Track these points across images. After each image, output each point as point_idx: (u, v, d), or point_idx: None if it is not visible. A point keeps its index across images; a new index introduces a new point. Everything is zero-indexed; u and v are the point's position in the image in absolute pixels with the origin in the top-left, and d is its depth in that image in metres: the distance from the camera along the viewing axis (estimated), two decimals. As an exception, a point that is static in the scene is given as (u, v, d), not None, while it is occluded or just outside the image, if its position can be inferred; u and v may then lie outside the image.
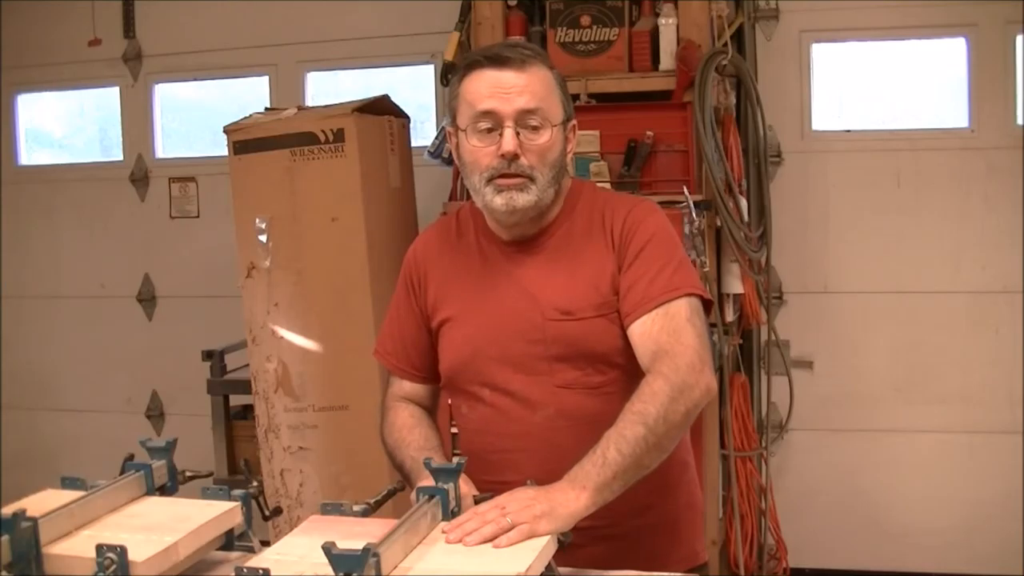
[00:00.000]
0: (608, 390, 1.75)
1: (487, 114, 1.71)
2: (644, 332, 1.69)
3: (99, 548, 1.34)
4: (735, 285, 3.52)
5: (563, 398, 1.74)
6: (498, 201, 1.72)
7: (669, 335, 1.66)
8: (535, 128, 1.72)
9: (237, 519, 1.58)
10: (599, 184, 3.38)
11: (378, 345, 1.97)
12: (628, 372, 1.74)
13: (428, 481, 1.58)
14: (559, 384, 1.75)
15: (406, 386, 1.93)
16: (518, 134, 1.70)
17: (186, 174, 4.57)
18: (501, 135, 1.70)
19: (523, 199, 1.72)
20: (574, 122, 1.83)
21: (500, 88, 1.70)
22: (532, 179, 1.72)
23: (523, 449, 1.75)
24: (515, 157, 1.70)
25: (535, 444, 1.74)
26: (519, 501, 1.47)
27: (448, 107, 1.82)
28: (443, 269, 1.87)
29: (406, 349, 1.91)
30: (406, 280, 1.91)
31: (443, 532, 1.46)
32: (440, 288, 1.86)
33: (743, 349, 3.75)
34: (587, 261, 1.78)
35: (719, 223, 3.38)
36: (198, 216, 4.56)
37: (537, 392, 1.75)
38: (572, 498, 1.49)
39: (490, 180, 1.72)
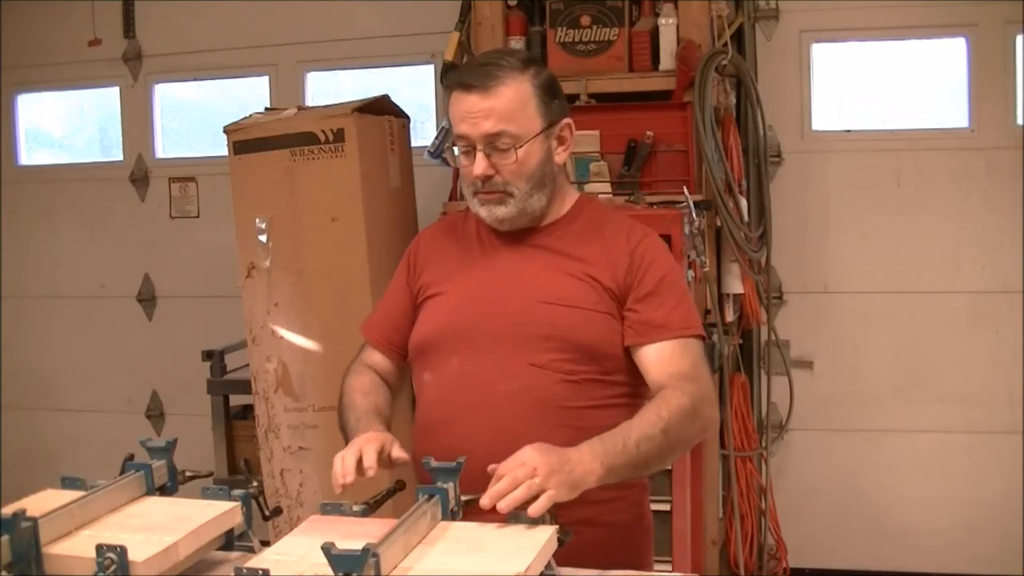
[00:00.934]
0: (577, 379, 1.80)
1: (461, 137, 1.82)
2: (662, 357, 1.80)
3: (99, 548, 1.34)
4: (735, 285, 3.52)
5: (533, 377, 1.78)
6: (482, 212, 1.86)
7: (691, 366, 1.79)
8: (502, 149, 1.80)
9: (237, 519, 1.58)
10: (599, 183, 3.39)
11: (366, 321, 2.06)
12: (603, 370, 1.82)
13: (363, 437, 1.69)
14: (532, 362, 1.79)
15: (376, 357, 2.00)
16: (489, 156, 1.80)
17: (186, 174, 4.57)
18: (474, 157, 1.80)
19: (503, 211, 1.84)
20: (566, 121, 1.89)
21: (469, 113, 1.80)
22: (510, 194, 1.82)
23: (480, 421, 1.78)
24: (488, 178, 1.81)
25: (493, 417, 1.77)
26: (547, 464, 1.51)
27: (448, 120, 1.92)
28: (443, 255, 1.96)
29: (390, 323, 2.00)
30: (406, 262, 2.02)
31: (483, 505, 1.48)
32: (436, 270, 1.95)
33: (743, 349, 3.75)
34: (585, 262, 1.85)
35: (719, 223, 3.38)
36: (198, 216, 4.56)
37: (509, 367, 1.79)
38: (589, 469, 1.56)
39: (475, 194, 1.85)
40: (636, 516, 1.92)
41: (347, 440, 1.82)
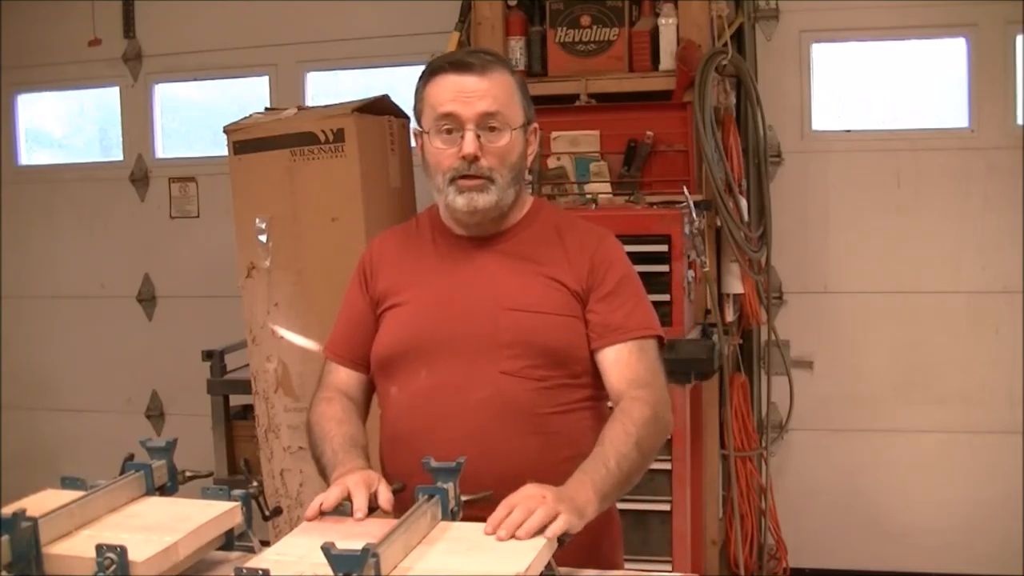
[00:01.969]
0: (549, 384, 1.79)
1: (449, 117, 1.78)
2: (620, 359, 1.80)
3: (99, 548, 1.34)
4: (735, 285, 3.52)
5: (504, 385, 1.77)
6: (460, 201, 1.79)
7: (647, 370, 1.80)
8: (495, 130, 1.78)
9: (237, 519, 1.58)
10: (599, 183, 3.40)
11: (328, 341, 1.98)
12: (571, 373, 1.81)
13: (342, 476, 1.61)
14: (503, 370, 1.77)
15: (342, 373, 1.92)
16: (478, 137, 1.77)
17: (186, 174, 4.57)
18: (463, 137, 1.77)
19: (484, 199, 1.79)
20: (535, 125, 1.89)
21: (462, 92, 1.77)
22: (492, 180, 1.79)
23: (452, 430, 1.75)
24: (475, 159, 1.77)
25: (465, 426, 1.75)
26: (553, 493, 1.50)
27: (413, 111, 1.89)
28: (397, 262, 1.92)
29: (351, 337, 1.93)
30: (360, 272, 1.96)
31: (487, 534, 1.44)
32: (392, 278, 1.90)
33: (743, 349, 3.75)
34: (545, 265, 1.84)
35: (719, 223, 3.38)
36: (198, 216, 4.56)
37: (478, 376, 1.77)
38: (587, 499, 1.55)
39: (452, 181, 1.79)
40: (604, 517, 1.92)
41: (323, 473, 1.76)
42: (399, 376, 1.84)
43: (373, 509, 1.62)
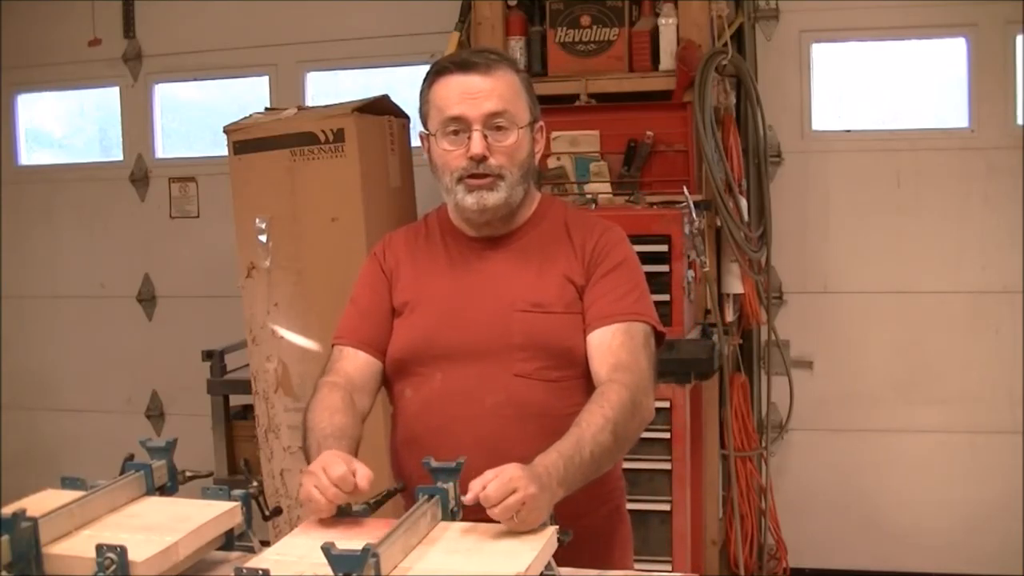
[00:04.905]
0: (563, 385, 1.79)
1: (455, 119, 1.78)
2: (602, 343, 1.78)
3: (99, 548, 1.34)
4: (735, 285, 3.53)
5: (518, 387, 1.77)
6: (469, 200, 1.80)
7: (628, 353, 1.76)
8: (502, 128, 1.78)
9: (237, 519, 1.58)
10: (599, 183, 3.40)
11: (337, 331, 1.93)
12: (584, 372, 1.80)
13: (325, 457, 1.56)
14: (517, 373, 1.77)
15: (360, 359, 1.86)
16: (486, 137, 1.77)
17: (186, 174, 4.57)
18: (470, 138, 1.77)
19: (493, 198, 1.79)
20: (541, 123, 1.89)
21: (468, 93, 1.77)
22: (501, 177, 1.79)
23: (466, 432, 1.75)
24: (484, 159, 1.77)
25: (480, 428, 1.75)
26: (520, 481, 1.45)
27: (419, 112, 1.88)
28: (411, 263, 1.92)
29: (371, 323, 1.89)
30: (377, 264, 1.94)
31: (468, 502, 1.45)
32: (407, 279, 1.90)
33: (743, 349, 3.75)
34: (555, 262, 1.84)
35: (719, 223, 3.38)
36: (198, 216, 4.56)
37: (493, 379, 1.77)
38: (555, 493, 1.51)
39: (460, 179, 1.80)
40: (616, 518, 1.92)
41: (307, 456, 1.70)
42: (413, 379, 1.84)
43: (378, 505, 1.60)
